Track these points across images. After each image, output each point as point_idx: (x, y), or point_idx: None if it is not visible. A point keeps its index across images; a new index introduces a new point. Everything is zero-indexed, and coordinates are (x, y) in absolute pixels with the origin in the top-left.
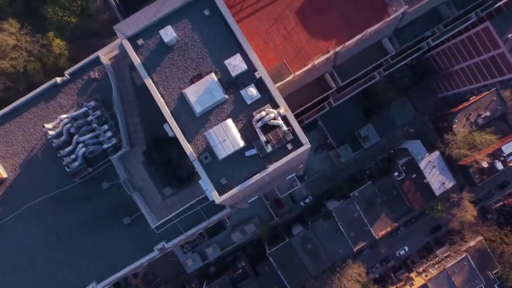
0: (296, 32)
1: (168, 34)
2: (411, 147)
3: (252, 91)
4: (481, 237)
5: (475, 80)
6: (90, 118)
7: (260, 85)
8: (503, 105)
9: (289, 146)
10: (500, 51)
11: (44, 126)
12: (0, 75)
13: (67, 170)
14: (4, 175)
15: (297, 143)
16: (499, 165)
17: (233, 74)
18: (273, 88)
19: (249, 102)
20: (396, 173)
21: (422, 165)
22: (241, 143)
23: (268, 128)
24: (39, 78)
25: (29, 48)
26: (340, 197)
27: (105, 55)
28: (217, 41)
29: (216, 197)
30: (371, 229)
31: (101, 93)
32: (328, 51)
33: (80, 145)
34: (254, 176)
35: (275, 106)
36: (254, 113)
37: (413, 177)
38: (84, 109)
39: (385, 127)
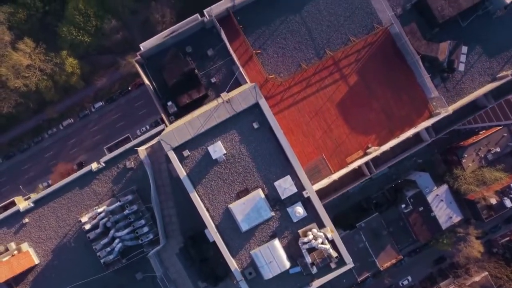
0: (337, 126)
1: (217, 151)
2: (419, 180)
3: (299, 211)
4: (487, 273)
5: (488, 119)
6: (126, 212)
7: (307, 203)
8: None
9: (333, 265)
10: None
11: (80, 221)
12: (12, 92)
13: (101, 261)
14: (36, 261)
15: (341, 262)
16: (508, 203)
17: (283, 197)
18: (321, 208)
19: (295, 220)
20: (403, 205)
21: (430, 198)
22: (287, 265)
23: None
24: (50, 96)
25: (42, 66)
26: (346, 227)
27: (141, 147)
28: (265, 155)
29: None
30: (376, 260)
31: (136, 183)
32: (368, 147)
33: (117, 240)
34: None
35: (321, 225)
36: (299, 232)
37: (420, 210)
38: (120, 202)
39: None
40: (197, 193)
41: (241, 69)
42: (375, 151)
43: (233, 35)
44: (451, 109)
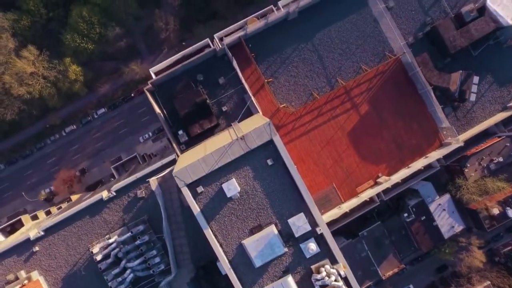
0: (347, 155)
1: (232, 188)
2: (422, 189)
3: (312, 247)
4: (489, 282)
5: None
6: (138, 242)
7: (320, 239)
8: None
9: None
10: None
11: (92, 252)
12: (16, 99)
13: None
14: None
15: None
16: (510, 213)
17: (297, 234)
18: (334, 245)
19: (308, 256)
20: (405, 214)
21: (432, 207)
22: None
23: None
24: (53, 102)
25: (45, 74)
26: (349, 235)
27: (152, 177)
28: (278, 192)
29: None
30: (378, 269)
31: (147, 213)
32: (378, 176)
33: (128, 270)
34: None
35: (334, 261)
36: (312, 268)
37: (422, 219)
38: (132, 233)
39: None
40: (211, 229)
41: (252, 98)
42: (386, 182)
43: (244, 63)
44: (461, 139)
